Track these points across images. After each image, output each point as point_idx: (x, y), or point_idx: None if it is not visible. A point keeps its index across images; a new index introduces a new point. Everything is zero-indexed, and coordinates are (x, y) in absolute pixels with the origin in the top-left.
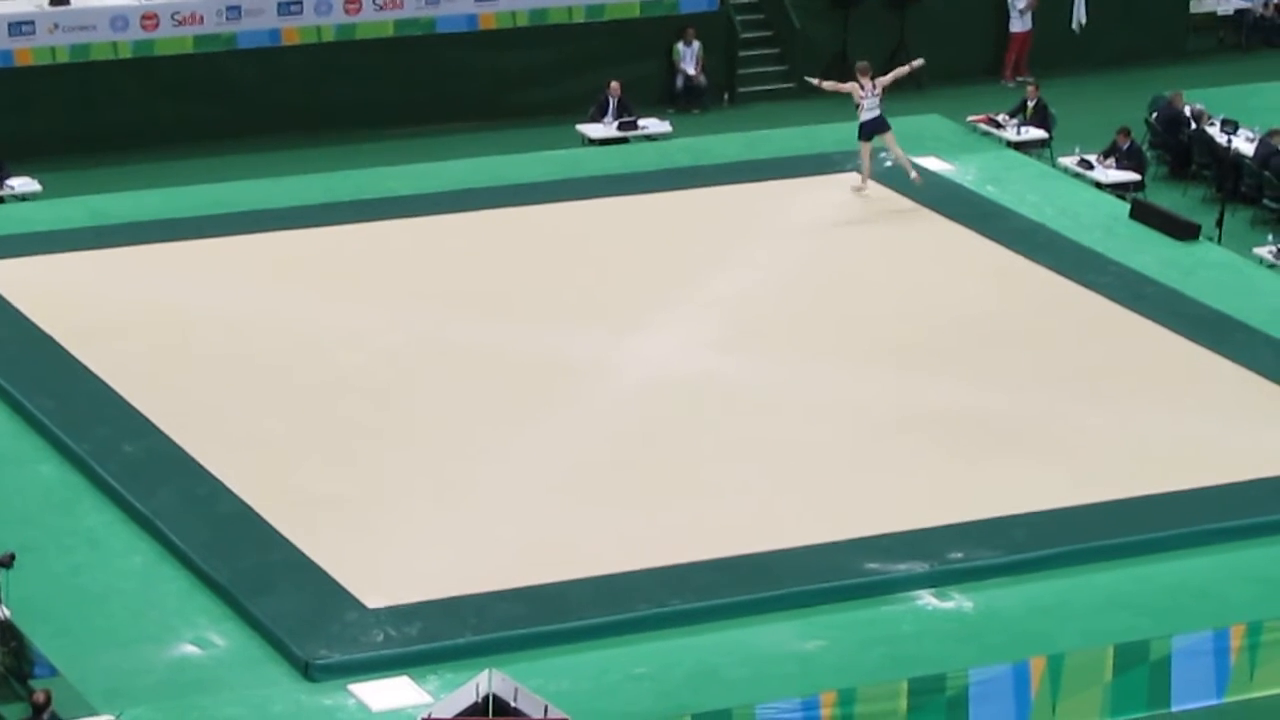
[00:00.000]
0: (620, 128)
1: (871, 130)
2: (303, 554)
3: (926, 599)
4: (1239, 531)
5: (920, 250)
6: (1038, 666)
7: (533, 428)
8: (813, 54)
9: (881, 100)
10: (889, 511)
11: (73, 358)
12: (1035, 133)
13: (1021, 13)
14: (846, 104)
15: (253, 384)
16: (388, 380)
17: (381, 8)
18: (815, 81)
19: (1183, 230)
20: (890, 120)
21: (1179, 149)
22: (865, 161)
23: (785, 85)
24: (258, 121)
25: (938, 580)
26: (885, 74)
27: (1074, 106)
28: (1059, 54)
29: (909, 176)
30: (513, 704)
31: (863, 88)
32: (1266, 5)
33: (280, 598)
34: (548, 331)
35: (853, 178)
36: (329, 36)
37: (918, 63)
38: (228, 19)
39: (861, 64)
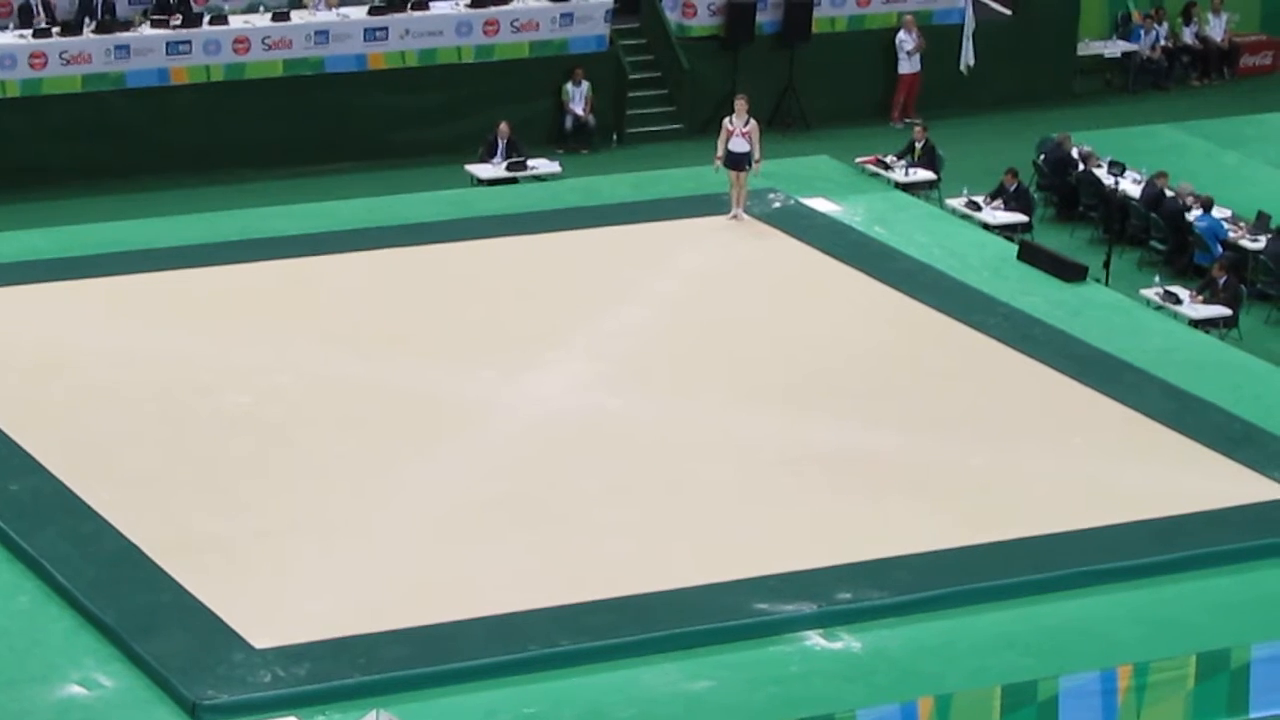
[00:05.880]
0: (509, 168)
1: (734, 163)
2: (190, 594)
3: (814, 639)
4: (1126, 572)
5: (808, 291)
6: (925, 707)
7: (421, 467)
8: (702, 95)
9: (749, 140)
10: (777, 551)
11: None
12: (923, 174)
13: (910, 54)
14: None
15: (140, 423)
16: (276, 419)
17: (270, 47)
18: (718, 163)
19: (1070, 271)
20: (777, 162)
21: (1066, 190)
22: (734, 191)
23: (674, 126)
24: (146, 161)
25: (826, 620)
26: (760, 125)
27: (962, 148)
28: (947, 95)
29: (730, 213)
30: None
31: (733, 122)
32: (1153, 48)
33: (167, 638)
34: (436, 371)
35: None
36: (218, 76)
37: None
38: (116, 58)
39: (741, 97)
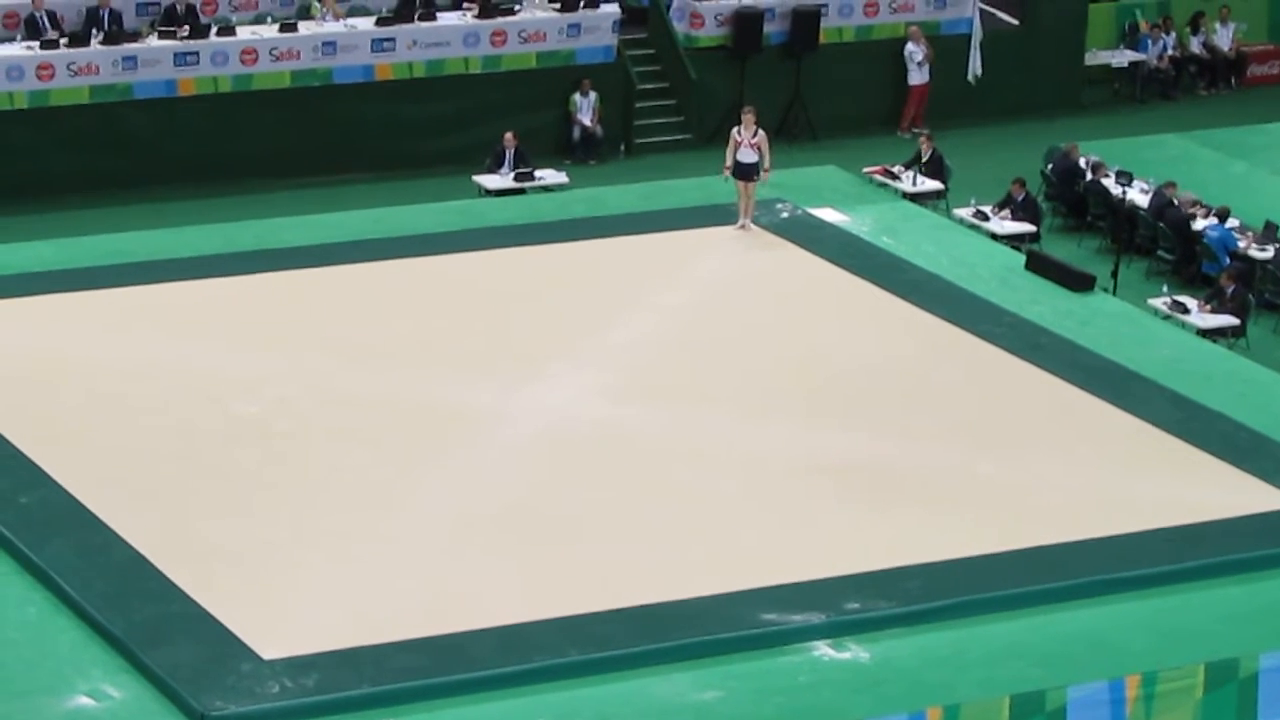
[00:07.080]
0: (517, 179)
1: (743, 173)
2: (198, 605)
3: (823, 649)
4: (1135, 582)
5: (816, 301)
6: (934, 717)
7: (430, 478)
8: (709, 105)
9: (757, 150)
10: (785, 562)
11: None
12: (931, 184)
13: (919, 65)
14: None
15: (149, 434)
16: (284, 430)
17: (278, 58)
18: (726, 172)
19: (1078, 281)
20: (785, 172)
21: (1074, 200)
22: (742, 201)
23: (682, 136)
24: (154, 172)
25: (834, 631)
26: (769, 135)
27: (970, 158)
28: (955, 105)
29: (738, 223)
30: None
31: (740, 133)
32: (1160, 58)
33: (176, 649)
34: (445, 382)
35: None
36: (226, 87)
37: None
38: (124, 69)
39: (748, 109)
